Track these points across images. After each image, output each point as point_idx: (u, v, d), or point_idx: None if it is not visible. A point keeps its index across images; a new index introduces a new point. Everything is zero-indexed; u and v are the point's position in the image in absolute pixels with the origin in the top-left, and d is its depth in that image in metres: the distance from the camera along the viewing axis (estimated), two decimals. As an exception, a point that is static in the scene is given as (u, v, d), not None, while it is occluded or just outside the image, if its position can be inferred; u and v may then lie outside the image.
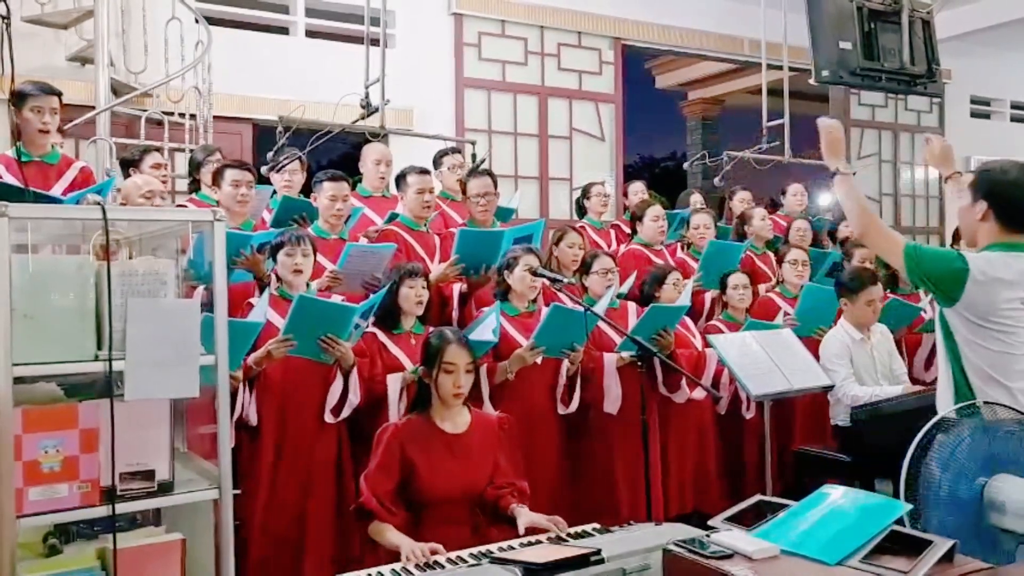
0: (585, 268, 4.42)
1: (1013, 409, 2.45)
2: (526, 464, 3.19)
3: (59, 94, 3.78)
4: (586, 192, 5.77)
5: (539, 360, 3.87)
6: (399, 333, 3.81)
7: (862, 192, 2.82)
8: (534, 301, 4.12)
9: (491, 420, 2.96)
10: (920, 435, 2.52)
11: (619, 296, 4.52)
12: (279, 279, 3.67)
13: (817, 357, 4.35)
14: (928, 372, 4.91)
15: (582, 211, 5.83)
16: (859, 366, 4.29)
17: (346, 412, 3.62)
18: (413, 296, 3.76)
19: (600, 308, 3.99)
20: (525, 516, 2.64)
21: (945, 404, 2.65)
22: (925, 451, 2.51)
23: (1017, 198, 2.61)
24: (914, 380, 4.69)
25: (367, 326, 3.73)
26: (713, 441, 4.62)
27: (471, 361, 2.86)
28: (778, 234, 5.94)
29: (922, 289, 2.74)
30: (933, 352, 5.01)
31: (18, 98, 3.66)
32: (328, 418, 3.60)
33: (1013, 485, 2.37)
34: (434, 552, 2.42)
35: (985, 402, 2.48)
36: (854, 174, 2.87)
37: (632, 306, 4.49)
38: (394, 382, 3.65)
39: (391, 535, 2.60)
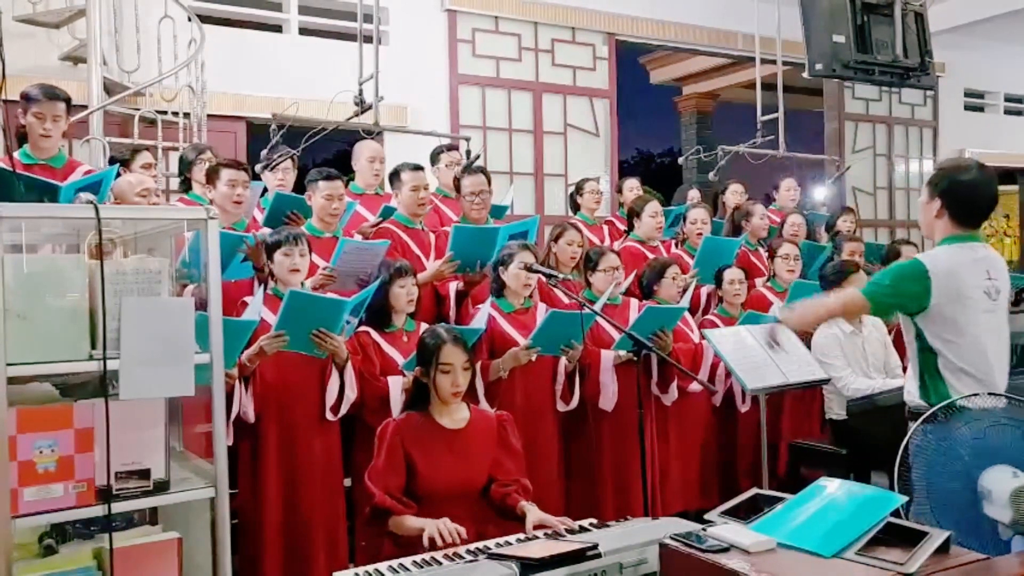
0: (591, 265, 4.41)
1: (995, 396, 2.57)
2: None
3: (65, 99, 3.74)
4: (579, 188, 5.76)
5: (533, 358, 3.87)
6: (391, 331, 3.80)
7: (803, 305, 3.04)
8: (529, 297, 4.12)
9: (490, 418, 2.96)
10: (912, 431, 2.55)
11: (620, 294, 4.52)
12: (273, 277, 3.66)
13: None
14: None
15: (575, 207, 5.83)
16: (850, 359, 4.29)
17: (345, 408, 3.62)
18: (404, 295, 3.76)
19: (598, 305, 3.99)
20: (534, 514, 2.65)
21: (913, 394, 2.81)
22: (918, 445, 2.52)
23: (971, 198, 2.72)
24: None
25: (357, 323, 3.73)
26: (710, 437, 4.62)
27: (468, 359, 2.86)
28: (772, 226, 5.94)
29: (897, 313, 2.85)
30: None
31: (24, 100, 3.66)
32: (329, 416, 3.60)
33: (999, 475, 2.40)
34: (456, 532, 2.45)
35: (963, 397, 2.58)
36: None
37: (634, 302, 4.48)
38: (395, 385, 3.65)
39: (412, 521, 2.62)
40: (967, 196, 2.72)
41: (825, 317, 3.12)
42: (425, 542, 2.41)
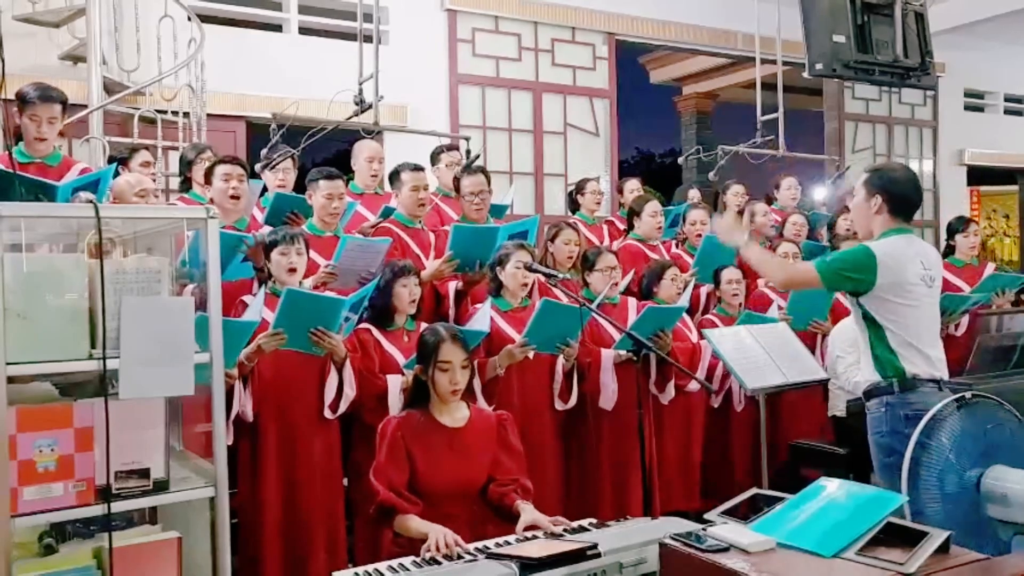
0: (588, 265, 4.40)
1: (931, 381, 3.01)
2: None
3: (62, 101, 3.72)
4: (580, 188, 5.76)
5: (531, 355, 3.86)
6: (392, 329, 3.80)
7: (763, 252, 3.33)
8: (528, 296, 4.11)
9: (490, 417, 2.96)
10: (917, 432, 2.55)
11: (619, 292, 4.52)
12: (271, 277, 3.66)
13: (812, 350, 4.35)
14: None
15: (575, 206, 5.82)
16: None
17: (343, 406, 3.62)
18: (407, 295, 3.76)
19: (596, 304, 3.99)
20: (527, 514, 2.63)
21: (867, 372, 3.12)
22: (922, 447, 2.53)
23: (905, 192, 3.13)
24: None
25: (356, 321, 3.73)
26: (709, 436, 4.63)
27: (466, 357, 2.86)
28: (774, 225, 5.94)
29: (843, 290, 3.21)
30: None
31: (20, 100, 3.65)
32: (327, 414, 3.60)
33: (1014, 476, 2.40)
34: (457, 544, 2.42)
35: (904, 376, 2.99)
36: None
37: (632, 302, 4.48)
38: (394, 383, 3.65)
39: (417, 524, 2.61)
40: (901, 190, 3.11)
41: (769, 267, 3.37)
42: (423, 554, 2.40)
